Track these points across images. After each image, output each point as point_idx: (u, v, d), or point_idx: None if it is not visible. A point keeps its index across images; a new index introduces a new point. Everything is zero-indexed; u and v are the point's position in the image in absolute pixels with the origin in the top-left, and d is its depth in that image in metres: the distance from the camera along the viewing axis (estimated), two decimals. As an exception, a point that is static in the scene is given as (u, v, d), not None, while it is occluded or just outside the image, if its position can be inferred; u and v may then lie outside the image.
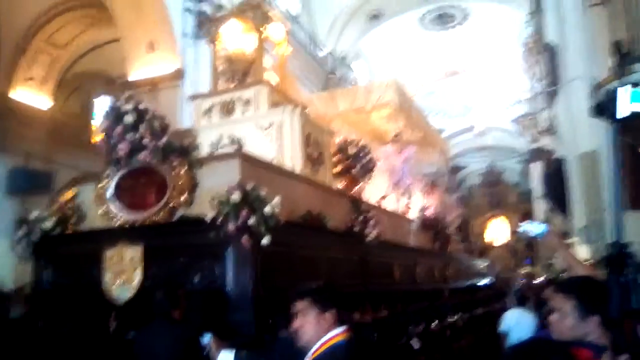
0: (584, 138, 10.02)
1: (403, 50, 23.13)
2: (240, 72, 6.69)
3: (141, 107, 5.21)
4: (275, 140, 5.96)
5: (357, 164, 7.49)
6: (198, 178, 4.72)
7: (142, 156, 4.85)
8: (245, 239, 3.97)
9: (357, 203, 6.81)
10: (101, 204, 5.08)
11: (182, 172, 4.72)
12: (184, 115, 9.40)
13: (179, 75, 10.95)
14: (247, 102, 6.31)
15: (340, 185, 7.68)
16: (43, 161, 12.50)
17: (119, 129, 5.06)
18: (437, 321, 7.09)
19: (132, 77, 11.32)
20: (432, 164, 15.27)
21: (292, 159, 5.90)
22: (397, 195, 9.62)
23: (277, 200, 4.09)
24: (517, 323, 6.53)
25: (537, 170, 21.30)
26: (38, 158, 12.40)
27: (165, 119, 5.32)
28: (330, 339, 2.34)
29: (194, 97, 6.76)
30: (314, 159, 6.34)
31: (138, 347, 3.61)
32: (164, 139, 4.92)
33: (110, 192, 5.06)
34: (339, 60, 20.07)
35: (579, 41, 10.50)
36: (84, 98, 15.71)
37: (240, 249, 4.07)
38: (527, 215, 28.07)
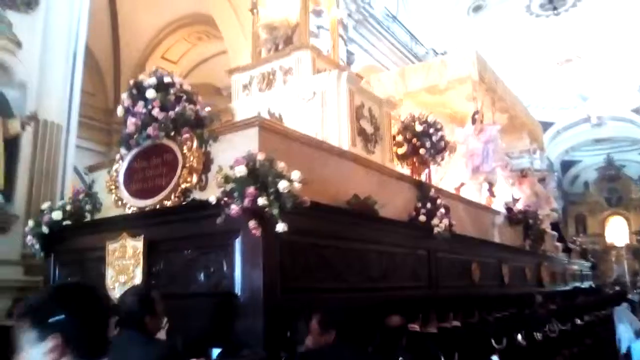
0: None
1: (510, 41, 21.52)
2: (282, 40, 5.78)
3: (167, 79, 4.47)
4: (319, 112, 4.98)
5: (425, 143, 6.32)
6: (213, 154, 3.87)
7: (150, 130, 4.08)
8: (253, 225, 3.03)
9: (423, 188, 5.67)
10: (114, 190, 4.38)
11: (194, 147, 3.89)
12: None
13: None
14: (288, 71, 5.40)
15: (406, 168, 6.57)
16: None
17: (139, 105, 4.35)
18: (524, 333, 5.76)
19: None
20: (523, 151, 13.60)
21: (339, 133, 4.89)
22: (478, 184, 8.29)
23: (297, 174, 3.11)
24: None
25: None
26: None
27: (195, 94, 4.56)
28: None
29: (232, 71, 5.95)
30: (367, 135, 5.30)
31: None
32: (178, 109, 4.13)
33: (121, 175, 4.35)
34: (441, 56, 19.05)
35: None
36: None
37: (250, 239, 3.14)
38: None
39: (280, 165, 3.18)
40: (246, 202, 3.01)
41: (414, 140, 6.31)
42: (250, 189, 3.00)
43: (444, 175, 10.67)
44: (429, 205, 5.47)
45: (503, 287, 7.49)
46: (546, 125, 23.34)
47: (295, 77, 5.33)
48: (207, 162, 3.83)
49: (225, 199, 3.12)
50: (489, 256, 7.18)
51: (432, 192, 5.69)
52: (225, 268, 3.30)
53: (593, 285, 16.91)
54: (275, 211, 3.00)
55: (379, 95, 8.17)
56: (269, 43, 5.88)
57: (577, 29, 21.43)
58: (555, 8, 21.08)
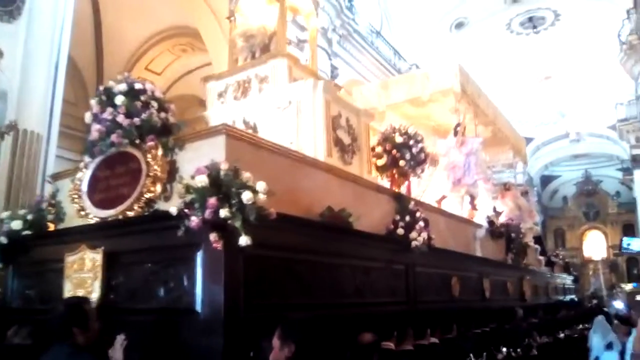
0: None
1: (491, 58, 22.00)
2: (259, 48, 5.65)
3: (138, 86, 4.30)
4: (294, 121, 4.84)
5: (405, 154, 6.19)
6: (179, 163, 3.71)
7: (114, 137, 3.91)
8: (214, 238, 2.86)
9: (402, 201, 5.54)
10: (76, 200, 4.19)
11: (159, 155, 3.72)
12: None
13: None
14: (264, 80, 5.26)
15: (386, 180, 6.44)
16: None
17: (108, 112, 4.17)
18: (505, 348, 5.64)
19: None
20: (505, 164, 13.58)
21: (314, 144, 4.75)
22: (459, 197, 8.19)
23: (262, 185, 2.96)
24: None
25: None
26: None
27: (168, 102, 4.40)
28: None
29: (207, 79, 5.80)
30: (344, 145, 5.16)
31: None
32: (144, 116, 3.97)
33: (84, 184, 4.16)
34: (424, 72, 19.39)
35: None
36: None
37: (211, 253, 2.97)
38: (629, 228, 25.59)
39: (246, 175, 3.03)
40: (207, 213, 2.85)
41: (394, 151, 6.17)
42: (212, 200, 2.84)
43: (426, 188, 10.59)
44: (407, 218, 5.34)
45: (484, 302, 7.36)
46: (526, 141, 23.63)
47: (271, 85, 5.19)
48: (172, 171, 3.67)
49: (186, 210, 2.96)
50: (470, 270, 7.06)
51: (412, 205, 5.55)
52: (185, 283, 3.12)
53: (575, 299, 16.90)
54: (238, 223, 2.84)
55: (361, 107, 8.11)
56: (245, 51, 5.74)
57: (556, 47, 21.94)
58: (535, 27, 21.53)
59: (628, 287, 21.93)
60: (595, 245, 30.31)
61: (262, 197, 2.93)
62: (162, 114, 4.14)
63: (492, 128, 11.05)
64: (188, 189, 2.97)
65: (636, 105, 19.28)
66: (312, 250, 3.80)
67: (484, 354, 5.12)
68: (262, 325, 2.97)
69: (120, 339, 2.96)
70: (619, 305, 15.38)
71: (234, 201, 2.87)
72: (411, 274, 5.20)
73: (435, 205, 8.13)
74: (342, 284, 4.09)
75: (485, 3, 20.13)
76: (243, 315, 3.00)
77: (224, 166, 2.99)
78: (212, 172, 2.97)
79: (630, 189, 24.08)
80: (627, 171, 24.41)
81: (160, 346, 3.10)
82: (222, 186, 2.93)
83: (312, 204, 4.13)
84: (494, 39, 21.74)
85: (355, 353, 3.61)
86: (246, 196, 2.86)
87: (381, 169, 6.33)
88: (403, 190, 6.60)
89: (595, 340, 7.09)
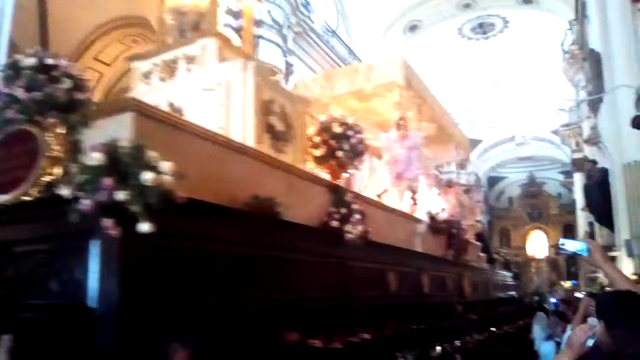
0: (629, 147, 9.68)
1: (442, 61, 22.43)
2: (189, 27, 5.29)
3: (49, 61, 3.86)
4: (223, 104, 4.52)
5: (343, 145, 5.96)
6: (84, 143, 3.32)
7: (10, 113, 3.48)
8: (109, 224, 2.52)
9: (339, 192, 5.32)
10: (-29, 183, 3.72)
11: (60, 134, 3.32)
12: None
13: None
14: (192, 60, 4.91)
15: (324, 172, 6.20)
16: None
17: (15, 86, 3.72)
18: (440, 344, 5.51)
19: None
20: (450, 162, 13.68)
21: (243, 129, 4.44)
22: (400, 191, 8.06)
23: (167, 165, 2.64)
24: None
25: (580, 181, 20.27)
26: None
27: (85, 81, 3.98)
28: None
29: (131, 59, 5.38)
30: (277, 133, 4.88)
31: None
32: (47, 90, 3.55)
33: (-21, 166, 3.70)
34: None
35: (625, 48, 10.30)
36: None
37: (108, 241, 2.63)
38: (569, 228, 26.72)
39: (151, 154, 2.70)
40: (101, 195, 2.51)
41: (332, 142, 5.94)
42: (106, 181, 2.50)
43: (370, 182, 10.47)
44: (343, 210, 5.13)
45: (423, 297, 7.25)
46: (475, 143, 24.36)
47: (199, 66, 4.85)
48: (75, 152, 3.27)
49: (80, 193, 2.60)
50: (408, 265, 6.92)
51: (348, 197, 5.35)
52: (79, 275, 2.76)
53: (515, 296, 17.28)
54: (137, 208, 2.51)
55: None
56: (175, 30, 5.37)
57: (504, 53, 22.58)
58: (485, 32, 22.07)
59: (567, 284, 22.79)
60: (538, 244, 31.46)
61: (166, 178, 2.61)
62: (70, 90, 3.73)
63: (437, 125, 11.06)
64: (82, 168, 2.62)
65: (577, 111, 20.09)
66: (234, 242, 3.50)
67: (418, 350, 4.96)
68: (169, 323, 2.67)
69: (5, 341, 2.59)
70: (553, 300, 16.03)
71: (133, 183, 2.54)
72: (344, 268, 4.98)
73: (376, 199, 7.99)
74: (267, 279, 3.81)
75: (438, 7, 20.45)
76: (144, 313, 2.67)
77: (124, 143, 2.64)
78: (110, 149, 2.62)
79: (571, 191, 25.11)
80: (568, 174, 25.54)
81: (51, 347, 2.74)
82: (120, 166, 2.59)
83: (239, 193, 3.83)
84: (446, 43, 22.18)
85: (277, 353, 3.36)
86: (147, 177, 2.53)
87: (319, 160, 6.08)
88: (347, 182, 6.41)
89: (537, 330, 7.62)
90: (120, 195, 2.51)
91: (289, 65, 14.55)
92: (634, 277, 7.26)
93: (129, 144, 2.66)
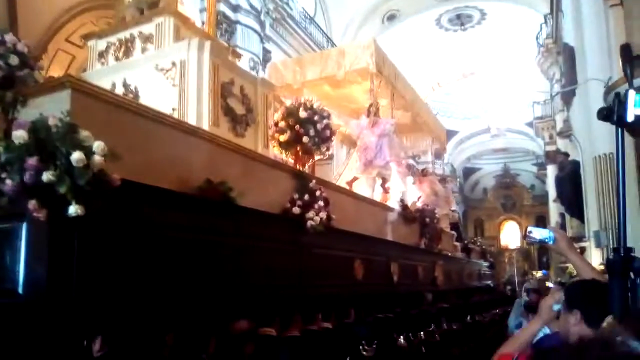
0: (599, 140, 9.74)
1: (420, 51, 22.41)
2: (148, 5, 5.08)
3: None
4: (177, 85, 4.35)
5: (308, 130, 5.83)
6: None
7: (-60, 90, 3.28)
8: (34, 207, 2.37)
9: (302, 179, 5.19)
10: None
11: (-5, 112, 3.13)
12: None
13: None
14: (148, 39, 4.72)
15: (289, 158, 6.08)
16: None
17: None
18: (404, 334, 5.45)
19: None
20: (424, 151, 13.64)
21: (198, 111, 4.28)
22: (371, 178, 7.97)
23: (99, 144, 2.48)
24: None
25: (553, 173, 20.63)
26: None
27: (35, 58, 3.78)
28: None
29: (87, 37, 5.17)
30: (237, 115, 4.73)
31: None
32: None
33: None
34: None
35: (596, 42, 10.46)
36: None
37: (36, 225, 2.47)
38: (541, 219, 27.13)
39: (84, 133, 2.54)
40: (26, 176, 2.35)
41: (297, 127, 5.81)
42: (31, 160, 2.34)
43: (344, 170, 10.37)
44: (306, 197, 5.01)
45: (392, 286, 7.18)
46: (451, 134, 24.48)
47: (155, 45, 4.66)
48: (8, 132, 3.09)
49: (4, 174, 2.43)
50: (377, 254, 6.83)
51: (313, 184, 5.22)
52: (8, 262, 2.60)
53: (491, 284, 17.41)
54: (64, 189, 2.36)
55: (276, 84, 7.68)
56: (132, 8, 5.16)
57: (481, 45, 22.64)
58: (462, 24, 22.07)
59: (538, 274, 23.12)
60: (511, 234, 31.88)
61: (98, 159, 2.45)
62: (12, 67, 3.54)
63: (411, 113, 10.98)
64: (6, 147, 2.45)
65: (550, 104, 20.27)
66: (180, 227, 3.35)
67: (380, 339, 4.87)
68: (103, 314, 2.52)
69: None
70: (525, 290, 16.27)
71: (60, 163, 2.38)
72: (306, 256, 4.86)
73: (346, 186, 7.89)
74: (220, 266, 3.67)
75: (417, -3, 20.36)
76: (75, 301, 2.52)
77: (52, 121, 2.48)
78: (37, 127, 2.45)
79: (544, 182, 25.43)
80: (541, 166, 25.89)
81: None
82: (48, 145, 2.43)
83: (191, 177, 3.68)
84: (424, 33, 22.12)
85: (224, 342, 3.24)
86: (76, 157, 2.37)
87: (284, 145, 5.96)
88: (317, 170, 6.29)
89: (510, 319, 7.74)
90: (46, 176, 2.34)
91: (266, 52, 14.37)
92: (601, 267, 7.30)
93: (59, 122, 2.49)
